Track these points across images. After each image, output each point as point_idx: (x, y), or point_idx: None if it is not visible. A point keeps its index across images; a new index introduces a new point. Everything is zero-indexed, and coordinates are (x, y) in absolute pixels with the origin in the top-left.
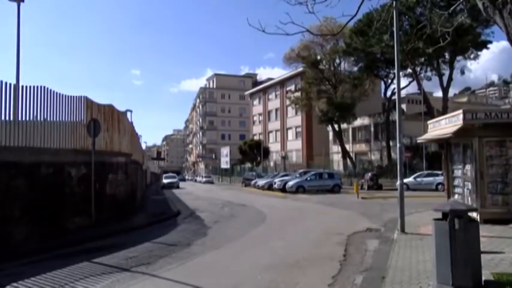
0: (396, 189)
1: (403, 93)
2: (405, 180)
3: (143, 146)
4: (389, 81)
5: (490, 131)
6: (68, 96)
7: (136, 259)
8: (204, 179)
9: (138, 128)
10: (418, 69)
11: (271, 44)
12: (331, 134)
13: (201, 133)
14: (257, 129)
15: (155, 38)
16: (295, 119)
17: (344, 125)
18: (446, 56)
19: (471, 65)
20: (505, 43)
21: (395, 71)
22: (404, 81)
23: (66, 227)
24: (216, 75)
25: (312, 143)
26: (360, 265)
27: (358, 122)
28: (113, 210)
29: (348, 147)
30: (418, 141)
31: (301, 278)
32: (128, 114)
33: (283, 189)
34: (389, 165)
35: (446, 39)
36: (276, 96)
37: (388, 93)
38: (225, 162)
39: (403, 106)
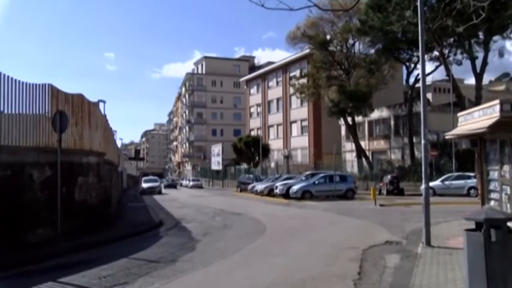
0: (420, 195)
1: (429, 80)
2: (431, 184)
3: (118, 144)
4: (413, 65)
5: None
6: (29, 84)
7: (111, 278)
8: (191, 183)
9: (112, 122)
10: (446, 51)
11: (271, 21)
12: (343, 128)
13: (187, 128)
14: (255, 123)
15: (132, 13)
16: (300, 111)
17: (359, 118)
18: (481, 35)
19: (511, 46)
20: None
21: (420, 53)
22: (430, 66)
23: (26, 240)
24: (205, 58)
25: (321, 140)
26: (378, 285)
27: (376, 114)
28: (83, 219)
29: (363, 144)
30: (447, 137)
31: None
32: (101, 105)
33: (286, 195)
34: (412, 166)
35: (480, 15)
36: (277, 83)
37: (411, 80)
38: (216, 163)
39: (429, 95)
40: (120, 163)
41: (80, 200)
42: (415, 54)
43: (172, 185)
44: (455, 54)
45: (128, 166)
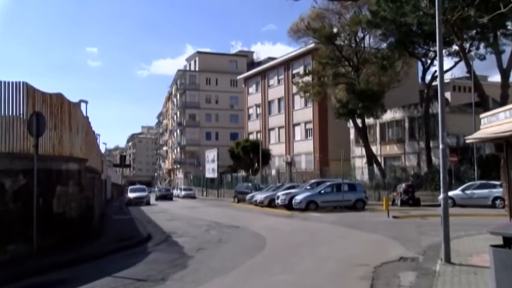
0: (438, 205)
1: (447, 77)
2: (451, 193)
3: (102, 149)
4: (429, 61)
5: None
6: (1, 82)
7: None
8: (183, 193)
9: (95, 125)
10: (467, 45)
11: (272, 11)
12: (352, 132)
13: (178, 131)
14: (254, 125)
15: (117, 3)
16: (304, 112)
17: (369, 120)
18: (509, 26)
19: None
20: None
21: (437, 48)
22: (448, 62)
23: None
24: (199, 53)
25: (327, 144)
26: None
27: (388, 115)
28: (61, 233)
29: (374, 149)
30: (468, 141)
31: None
32: (82, 106)
33: (288, 206)
34: (429, 174)
35: (508, 3)
36: (278, 81)
37: (428, 77)
38: (210, 170)
39: (447, 95)
40: (103, 170)
41: (59, 211)
42: (432, 48)
43: (166, 196)
44: (477, 48)
45: (112, 174)
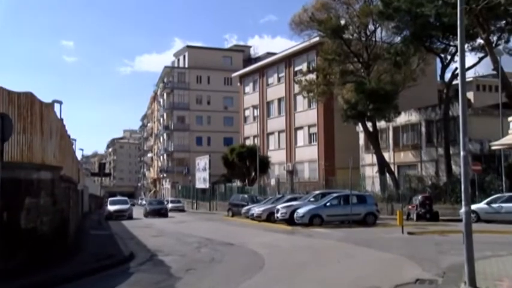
0: (460, 220)
1: (470, 75)
2: (474, 207)
3: (78, 156)
4: (449, 57)
5: None
6: None
7: None
8: (170, 205)
9: (71, 128)
10: (494, 38)
11: (271, 1)
12: (362, 136)
13: (165, 135)
14: (250, 129)
15: None
16: (307, 115)
17: (381, 124)
18: None
19: None
20: None
21: (458, 42)
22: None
23: None
24: (188, 48)
25: (334, 151)
26: None
27: (403, 118)
28: (31, 252)
29: (387, 156)
30: (494, 147)
31: None
32: (56, 107)
33: (290, 221)
34: (449, 184)
35: None
36: (278, 79)
37: (447, 75)
38: (201, 180)
39: (470, 95)
40: (80, 180)
41: (28, 227)
42: (452, 42)
43: (159, 212)
44: (506, 42)
45: (90, 184)
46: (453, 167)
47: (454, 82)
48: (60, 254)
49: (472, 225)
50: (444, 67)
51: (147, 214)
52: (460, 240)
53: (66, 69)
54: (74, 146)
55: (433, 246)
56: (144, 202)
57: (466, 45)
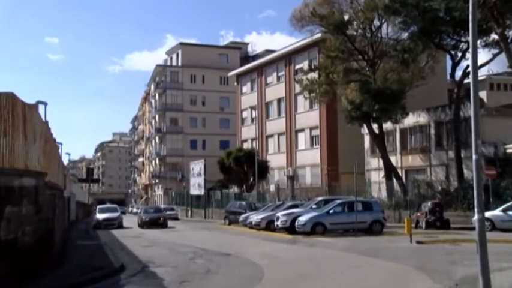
0: (473, 229)
1: (483, 73)
2: (488, 214)
3: (65, 161)
4: (460, 54)
5: None
6: None
7: None
8: None
9: (57, 132)
10: (509, 33)
11: None
12: (367, 139)
13: (158, 139)
14: (248, 132)
15: None
16: (309, 116)
17: (388, 125)
18: None
19: None
20: None
21: (470, 37)
22: (484, 55)
23: None
24: (182, 45)
25: (337, 155)
26: None
27: (411, 119)
28: (12, 265)
29: (394, 160)
30: (509, 150)
31: None
32: (41, 108)
33: (290, 229)
34: (460, 190)
35: None
36: (278, 78)
37: (458, 73)
38: (196, 186)
39: (483, 94)
40: (66, 186)
41: (8, 238)
42: (463, 38)
43: (157, 222)
44: None
45: (77, 191)
46: (465, 171)
47: (466, 81)
48: (44, 267)
49: (486, 233)
50: (455, 65)
51: (143, 224)
52: (473, 250)
53: (50, 68)
54: (59, 151)
55: (444, 256)
56: (136, 210)
57: (478, 41)
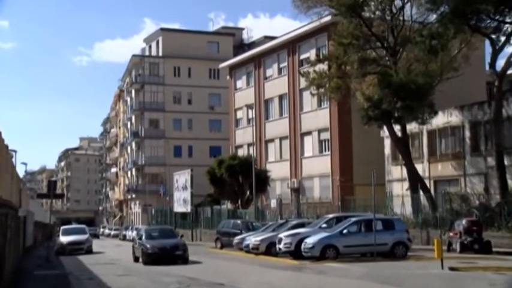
0: None
1: None
2: None
3: (20, 172)
4: (503, 39)
5: None
6: None
7: None
8: None
9: (9, 137)
10: None
11: None
12: (387, 144)
13: (134, 144)
14: (244, 135)
15: None
16: (317, 116)
17: (413, 127)
18: None
19: None
20: None
21: None
22: None
23: None
24: (162, 31)
25: (352, 162)
26: None
27: (440, 119)
28: None
29: (420, 168)
30: None
31: None
32: None
33: (296, 253)
34: (503, 204)
35: None
36: (279, 71)
37: (500, 62)
38: (181, 202)
39: None
40: (22, 204)
41: None
42: (508, 19)
43: (171, 253)
44: None
45: (36, 208)
46: (509, 181)
47: (510, 72)
48: None
49: None
50: (496, 52)
51: (150, 260)
52: None
53: (0, 59)
54: (13, 160)
55: (484, 287)
56: (112, 232)
57: None
